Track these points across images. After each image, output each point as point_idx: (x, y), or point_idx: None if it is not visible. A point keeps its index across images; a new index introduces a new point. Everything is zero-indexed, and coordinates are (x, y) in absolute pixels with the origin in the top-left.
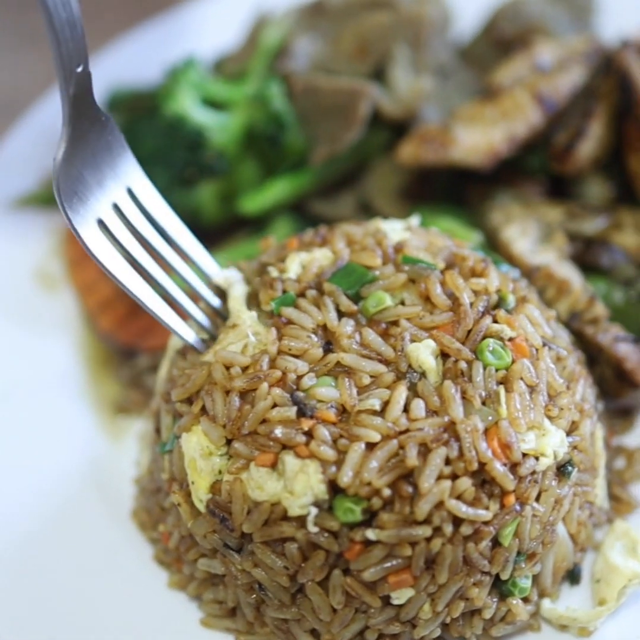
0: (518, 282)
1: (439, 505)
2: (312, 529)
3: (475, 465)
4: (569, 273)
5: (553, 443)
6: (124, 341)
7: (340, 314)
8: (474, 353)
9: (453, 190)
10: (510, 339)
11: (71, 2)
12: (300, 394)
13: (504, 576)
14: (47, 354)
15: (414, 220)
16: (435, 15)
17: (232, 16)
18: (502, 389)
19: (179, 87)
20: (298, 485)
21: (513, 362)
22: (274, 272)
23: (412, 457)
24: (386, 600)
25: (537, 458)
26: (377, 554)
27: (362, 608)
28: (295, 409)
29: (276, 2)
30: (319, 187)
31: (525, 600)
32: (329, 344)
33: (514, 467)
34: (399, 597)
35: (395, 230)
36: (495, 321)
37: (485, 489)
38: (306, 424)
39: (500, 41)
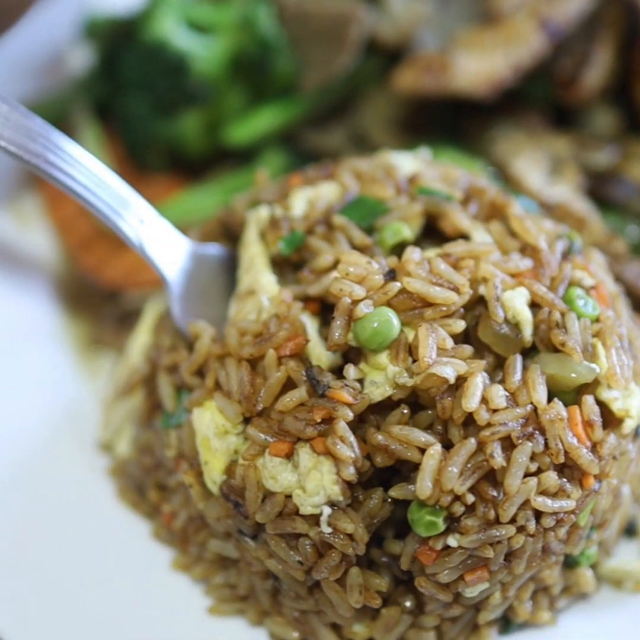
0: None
1: (524, 504)
2: (326, 529)
3: (562, 459)
4: (587, 207)
5: (636, 404)
6: (107, 280)
7: (355, 249)
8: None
9: (450, 121)
10: (592, 287)
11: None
12: (314, 370)
13: (576, 552)
14: (22, 294)
15: (424, 152)
16: None
17: None
18: (598, 343)
19: (159, 10)
20: (311, 483)
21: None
22: (277, 211)
23: (498, 458)
24: (457, 594)
25: (618, 424)
26: (456, 559)
27: (407, 609)
28: (306, 388)
29: None
30: (309, 117)
31: (592, 566)
32: (393, 272)
33: (594, 446)
34: (473, 591)
35: (405, 162)
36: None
37: (566, 474)
38: (319, 414)
39: None
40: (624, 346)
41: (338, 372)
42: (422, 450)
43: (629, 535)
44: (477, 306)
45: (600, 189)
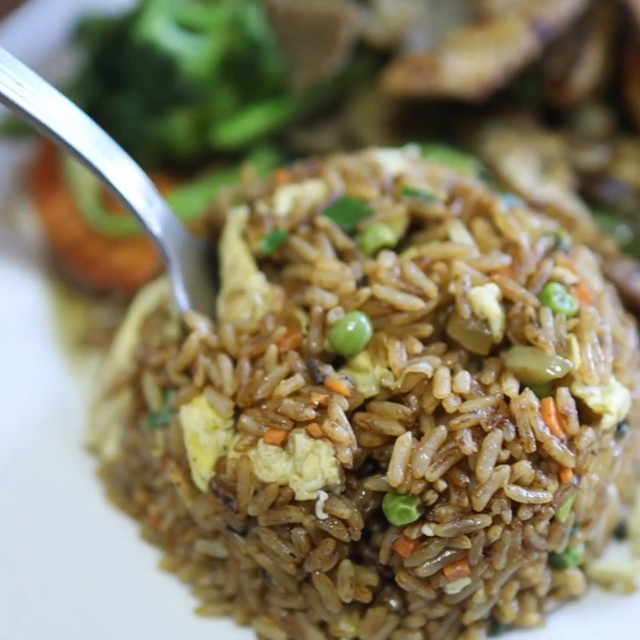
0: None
1: (498, 492)
2: (321, 515)
3: (533, 447)
4: (576, 207)
5: (616, 401)
6: (96, 280)
7: (337, 252)
8: (539, 299)
9: (440, 122)
10: (574, 285)
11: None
12: (316, 360)
13: (559, 550)
14: (12, 293)
15: (412, 151)
16: None
17: None
18: (573, 338)
19: (149, 10)
20: (308, 468)
21: (578, 309)
22: (262, 208)
23: (468, 444)
24: (440, 591)
25: (597, 420)
26: (433, 550)
27: (393, 609)
28: (304, 376)
29: None
30: (299, 117)
31: (580, 567)
32: (366, 278)
33: (571, 440)
34: (455, 587)
35: (392, 161)
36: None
37: (542, 467)
38: (317, 398)
39: None
40: (605, 342)
41: None
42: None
43: (618, 538)
44: (450, 304)
45: (590, 189)
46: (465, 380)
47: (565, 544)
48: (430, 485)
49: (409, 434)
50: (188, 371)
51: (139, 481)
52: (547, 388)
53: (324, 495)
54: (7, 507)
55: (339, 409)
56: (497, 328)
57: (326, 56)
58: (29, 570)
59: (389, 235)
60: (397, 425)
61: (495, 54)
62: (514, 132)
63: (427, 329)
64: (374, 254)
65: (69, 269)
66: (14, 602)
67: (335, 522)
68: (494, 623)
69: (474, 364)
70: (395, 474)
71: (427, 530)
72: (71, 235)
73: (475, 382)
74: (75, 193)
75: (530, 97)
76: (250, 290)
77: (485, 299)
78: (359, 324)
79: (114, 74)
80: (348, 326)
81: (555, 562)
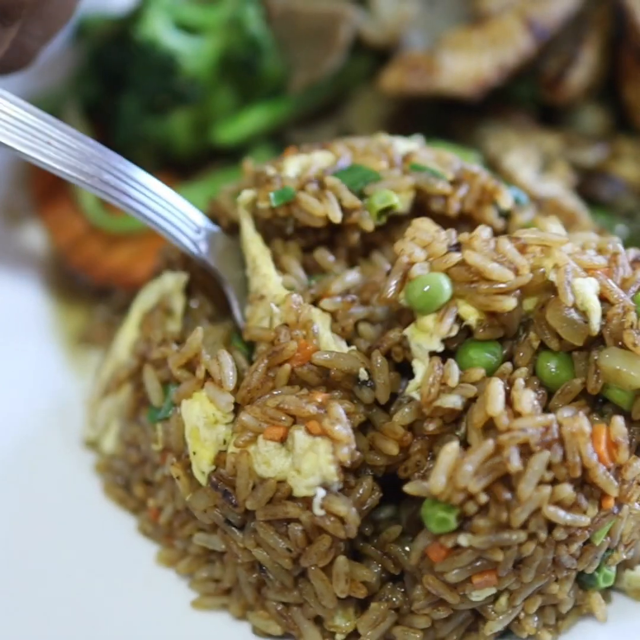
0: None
1: (537, 511)
2: (319, 512)
3: (578, 473)
4: (576, 203)
5: None
6: (97, 278)
7: (343, 210)
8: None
9: (437, 121)
10: None
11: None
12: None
13: (589, 571)
14: (14, 291)
15: (418, 138)
16: None
17: None
18: None
19: (150, 10)
20: (306, 464)
21: None
22: (270, 170)
23: (514, 462)
24: (463, 596)
25: None
26: (465, 559)
27: (394, 606)
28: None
29: None
30: (298, 116)
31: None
32: (458, 245)
33: (619, 468)
34: (479, 595)
35: (401, 143)
36: None
37: (585, 491)
38: (319, 396)
39: None
40: None
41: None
42: None
43: None
44: (544, 293)
45: (588, 187)
46: (529, 399)
47: (595, 565)
48: (471, 497)
49: (455, 444)
50: (189, 366)
51: (138, 475)
52: (629, 396)
53: (321, 492)
54: (8, 500)
55: (338, 407)
56: (595, 321)
57: (324, 56)
58: (28, 563)
59: (396, 199)
60: (394, 446)
61: (491, 54)
62: (513, 129)
63: (511, 303)
64: (379, 218)
65: (70, 268)
66: (12, 592)
67: (332, 519)
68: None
69: (558, 356)
70: (438, 481)
71: (463, 540)
72: (72, 233)
73: (537, 403)
74: (76, 193)
75: (525, 97)
76: (268, 296)
77: (587, 290)
78: (439, 285)
79: (114, 73)
80: (427, 284)
81: (584, 580)
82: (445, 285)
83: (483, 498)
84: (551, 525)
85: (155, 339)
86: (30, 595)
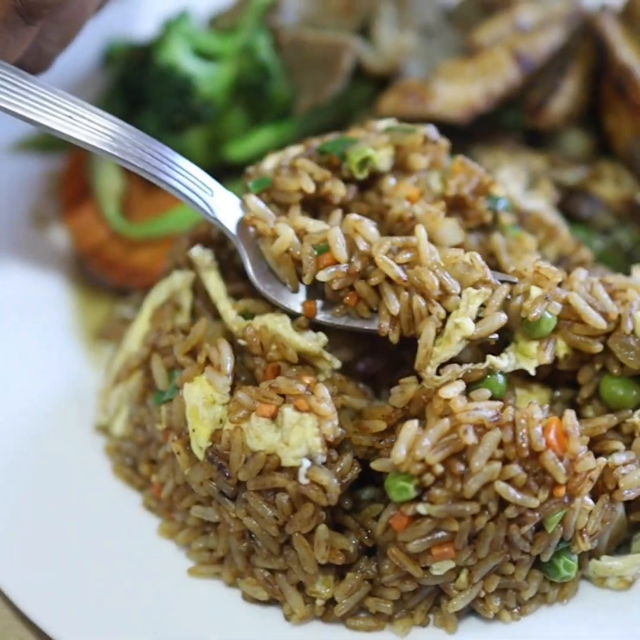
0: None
1: (488, 485)
2: (303, 480)
3: (525, 453)
4: (557, 219)
5: None
6: (117, 280)
7: (316, 183)
8: None
9: None
10: None
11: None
12: None
13: (544, 558)
14: (41, 290)
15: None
16: None
17: None
18: None
19: (171, 38)
20: (294, 437)
21: None
22: (250, 168)
23: (470, 437)
24: (426, 570)
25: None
26: (425, 528)
27: (368, 577)
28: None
29: None
30: (303, 136)
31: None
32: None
33: (572, 461)
34: (440, 568)
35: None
36: None
37: (538, 477)
38: (307, 378)
39: (486, 4)
40: None
41: None
42: None
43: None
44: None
45: (569, 204)
46: (572, 422)
47: (550, 553)
48: (429, 468)
49: (415, 422)
50: (193, 353)
51: (144, 454)
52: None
53: (306, 463)
54: (26, 479)
55: (323, 388)
56: None
57: (328, 82)
58: (45, 534)
59: (371, 151)
60: (382, 422)
61: (481, 84)
62: (503, 150)
63: (599, 347)
64: (360, 170)
65: (92, 270)
66: (30, 558)
67: (316, 488)
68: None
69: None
70: (398, 453)
71: (421, 508)
72: (95, 239)
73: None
74: (100, 201)
75: (512, 123)
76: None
77: None
78: (552, 317)
79: (137, 94)
80: (544, 315)
81: (546, 569)
82: (554, 320)
83: (439, 469)
84: (503, 504)
85: (165, 328)
86: (46, 557)
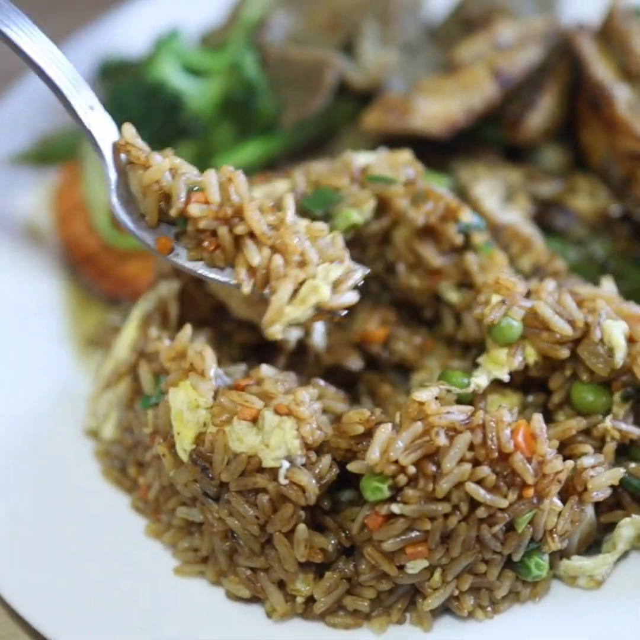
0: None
1: (459, 485)
2: (283, 481)
3: (495, 454)
4: (533, 231)
5: None
6: (108, 289)
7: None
8: None
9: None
10: None
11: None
12: None
13: (515, 558)
14: (32, 296)
15: (381, 150)
16: None
17: None
18: None
19: (161, 55)
20: (274, 439)
21: None
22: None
23: (442, 439)
24: (400, 569)
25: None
26: (398, 527)
27: (345, 576)
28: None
29: None
30: (289, 150)
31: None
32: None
33: (540, 463)
34: (414, 567)
35: (362, 157)
36: None
37: (508, 478)
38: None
39: (467, 22)
40: None
41: None
42: None
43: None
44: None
45: (545, 216)
46: (540, 425)
47: (520, 553)
48: (402, 469)
49: (389, 425)
50: (178, 359)
51: (132, 457)
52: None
53: (286, 464)
54: (17, 481)
55: (303, 393)
56: (619, 357)
57: (312, 97)
58: (35, 534)
59: (357, 216)
60: (359, 426)
61: (461, 99)
62: (482, 163)
63: (566, 353)
64: (347, 233)
65: (84, 279)
66: (21, 557)
67: (295, 488)
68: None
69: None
70: (373, 455)
71: (395, 508)
72: (87, 249)
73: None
74: (91, 213)
75: (491, 137)
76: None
77: (615, 331)
78: (517, 325)
79: (129, 109)
80: (507, 322)
81: (517, 569)
82: (519, 327)
83: (412, 470)
84: (474, 504)
85: (151, 335)
86: (37, 556)
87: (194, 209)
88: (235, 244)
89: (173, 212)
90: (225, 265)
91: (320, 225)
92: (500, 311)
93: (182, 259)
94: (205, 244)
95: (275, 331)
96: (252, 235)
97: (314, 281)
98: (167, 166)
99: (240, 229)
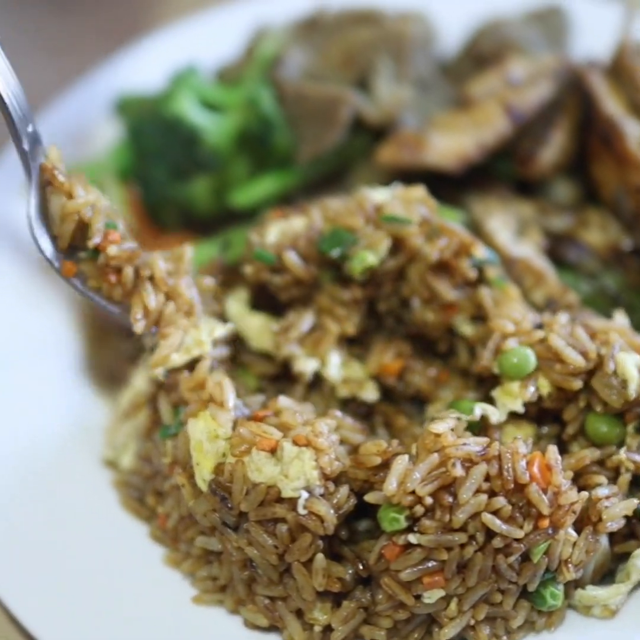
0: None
1: (475, 516)
2: (302, 511)
3: (510, 485)
4: (545, 264)
5: None
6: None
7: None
8: None
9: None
10: None
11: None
12: None
13: (531, 588)
14: (49, 328)
15: (396, 186)
16: (417, 32)
17: (234, 29)
18: None
19: (179, 90)
20: (293, 470)
21: None
22: (254, 237)
23: (458, 470)
24: (417, 598)
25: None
26: (415, 557)
27: (363, 605)
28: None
29: (274, 17)
30: (304, 184)
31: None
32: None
33: (556, 494)
34: (430, 596)
35: (377, 194)
36: None
37: (523, 509)
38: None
39: (479, 58)
40: None
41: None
42: None
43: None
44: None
45: (557, 250)
46: (555, 456)
47: (536, 583)
48: (419, 500)
49: (406, 456)
50: (197, 390)
51: (151, 486)
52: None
53: (305, 494)
54: (37, 510)
55: (322, 424)
56: (633, 388)
57: (328, 133)
58: (54, 564)
59: (372, 258)
60: (377, 457)
61: (473, 135)
62: (494, 198)
63: (578, 384)
64: (363, 274)
65: (100, 312)
66: (42, 585)
67: (313, 518)
68: None
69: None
70: (390, 485)
71: (412, 538)
72: None
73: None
74: None
75: (503, 172)
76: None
77: (628, 363)
78: (528, 357)
79: (146, 144)
80: (518, 356)
81: (533, 599)
82: (532, 359)
83: (429, 500)
84: (490, 534)
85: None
86: (56, 586)
87: (113, 250)
88: (135, 284)
89: (90, 245)
90: (121, 300)
91: (209, 282)
92: (511, 342)
93: (81, 284)
94: (112, 278)
95: (158, 374)
96: (151, 278)
97: (200, 335)
98: (90, 201)
99: (145, 273)
